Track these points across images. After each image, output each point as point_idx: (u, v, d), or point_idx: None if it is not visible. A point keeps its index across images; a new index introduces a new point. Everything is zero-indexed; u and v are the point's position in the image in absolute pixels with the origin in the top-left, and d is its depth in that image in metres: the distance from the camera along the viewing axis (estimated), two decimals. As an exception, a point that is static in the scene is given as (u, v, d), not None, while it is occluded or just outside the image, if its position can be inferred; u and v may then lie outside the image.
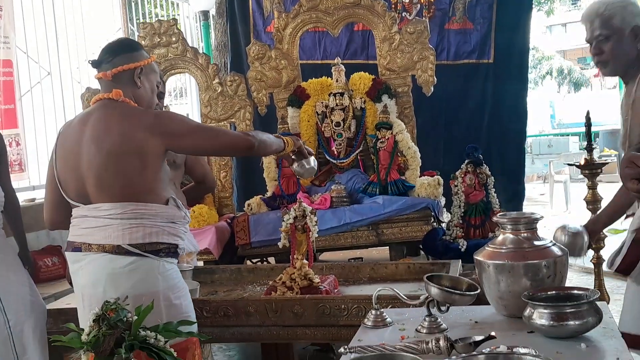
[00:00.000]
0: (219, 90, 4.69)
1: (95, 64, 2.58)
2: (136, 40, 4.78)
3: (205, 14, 7.66)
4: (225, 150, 2.81)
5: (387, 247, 4.35)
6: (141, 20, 7.20)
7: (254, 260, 4.60)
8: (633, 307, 2.46)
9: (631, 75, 2.56)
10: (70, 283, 2.71)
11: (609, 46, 2.54)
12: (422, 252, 4.45)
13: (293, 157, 2.84)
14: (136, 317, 1.89)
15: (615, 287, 5.63)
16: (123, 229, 2.39)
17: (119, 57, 2.53)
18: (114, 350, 1.81)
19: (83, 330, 1.88)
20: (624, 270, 2.47)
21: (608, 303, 3.30)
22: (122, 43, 2.67)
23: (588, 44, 2.66)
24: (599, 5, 2.55)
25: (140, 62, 2.55)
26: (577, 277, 6.38)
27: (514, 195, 5.94)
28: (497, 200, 4.07)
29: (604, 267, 3.31)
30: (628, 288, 2.55)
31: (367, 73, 4.64)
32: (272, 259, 4.53)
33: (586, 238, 2.56)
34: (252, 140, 2.55)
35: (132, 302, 2.02)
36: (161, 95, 3.33)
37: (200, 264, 4.22)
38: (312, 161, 2.89)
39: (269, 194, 4.54)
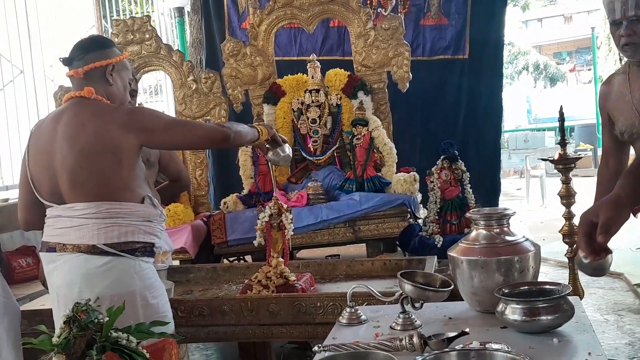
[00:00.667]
0: (193, 88, 4.65)
1: (67, 61, 2.56)
2: (109, 37, 4.74)
3: (180, 10, 7.61)
4: (202, 143, 2.82)
5: (364, 244, 4.35)
6: (115, 17, 7.14)
7: (231, 259, 4.59)
8: None
9: None
10: (44, 284, 2.69)
11: None
12: (399, 249, 4.46)
13: (267, 146, 2.85)
14: (108, 318, 1.87)
15: (591, 280, 5.70)
16: (98, 228, 2.38)
17: (90, 54, 2.52)
18: (85, 352, 1.78)
19: (54, 332, 1.86)
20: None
21: (582, 298, 3.33)
22: (93, 40, 2.66)
23: (611, 25, 2.60)
24: None
25: (112, 59, 2.54)
26: (553, 271, 6.45)
27: (490, 191, 5.97)
28: (473, 195, 4.09)
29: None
30: None
31: (342, 69, 4.64)
32: (249, 257, 4.51)
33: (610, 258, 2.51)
34: (228, 131, 2.55)
35: (108, 302, 2.01)
36: (134, 93, 3.31)
37: (177, 263, 4.20)
38: (287, 148, 2.90)
39: (245, 191, 4.52)
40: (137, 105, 3.51)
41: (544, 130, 18.94)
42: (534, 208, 10.54)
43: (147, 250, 2.47)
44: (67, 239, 2.42)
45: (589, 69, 25.02)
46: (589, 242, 1.69)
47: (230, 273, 3.66)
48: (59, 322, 2.31)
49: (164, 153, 3.68)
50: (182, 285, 3.56)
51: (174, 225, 4.23)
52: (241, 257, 4.58)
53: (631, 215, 1.88)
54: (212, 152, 5.22)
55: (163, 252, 3.05)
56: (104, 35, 6.04)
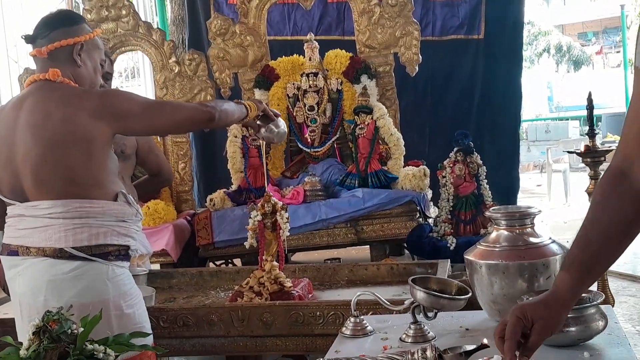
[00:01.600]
0: (176, 70, 4.64)
1: (30, 39, 2.54)
2: (81, 13, 4.72)
3: (160, -17, 7.58)
4: (184, 126, 2.80)
5: (368, 246, 4.35)
6: (87, -9, 7.10)
7: (218, 263, 4.58)
8: None
9: None
10: (4, 290, 2.68)
11: None
12: (406, 252, 4.46)
13: (258, 122, 2.83)
14: (82, 329, 1.87)
15: (621, 287, 5.72)
16: (66, 229, 2.36)
17: (56, 31, 2.50)
18: (57, 366, 1.78)
19: (22, 344, 1.85)
20: None
21: (613, 306, 3.34)
22: (59, 15, 2.63)
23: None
24: None
25: (80, 37, 2.51)
26: (578, 276, 6.45)
27: (507, 187, 5.97)
28: (490, 192, 4.09)
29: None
30: None
31: (343, 51, 4.63)
32: (238, 261, 4.51)
33: None
34: (212, 110, 2.54)
35: (78, 312, 1.99)
36: (108, 76, 3.30)
37: (157, 267, 4.19)
38: (281, 123, 2.90)
39: (234, 187, 4.52)
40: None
41: (568, 119, 18.98)
42: (556, 206, 10.56)
43: (122, 253, 2.46)
44: (30, 242, 2.40)
45: (618, 52, 25.07)
46: (512, 347, 1.52)
47: (218, 278, 3.66)
48: (23, 333, 2.31)
49: (142, 144, 3.66)
50: (164, 292, 3.55)
51: (154, 224, 4.22)
52: (229, 261, 4.58)
53: None
54: (196, 142, 5.21)
55: (140, 256, 3.04)
56: (74, 11, 6.02)
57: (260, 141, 3.46)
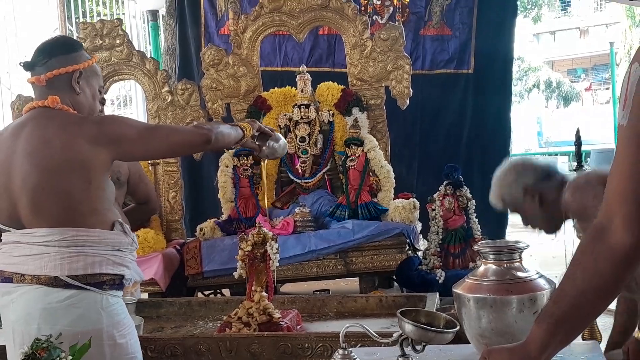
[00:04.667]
0: (168, 100, 4.67)
1: (28, 66, 2.54)
2: (75, 41, 4.74)
3: (154, 13, 7.65)
4: (180, 149, 2.79)
5: (357, 278, 4.35)
6: (81, 20, 7.16)
7: (206, 293, 4.57)
8: None
9: None
10: None
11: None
12: (395, 284, 4.47)
13: (257, 142, 2.83)
14: (71, 357, 1.86)
15: (609, 323, 5.71)
16: (62, 258, 2.35)
17: (54, 58, 2.50)
18: (44, 395, 1.77)
19: (9, 372, 1.85)
20: None
21: (600, 342, 3.34)
22: (58, 42, 2.63)
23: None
24: None
25: (79, 64, 2.51)
26: (566, 311, 6.45)
27: (496, 221, 5.99)
28: (479, 226, 4.11)
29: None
30: None
31: (335, 83, 4.68)
32: (227, 291, 4.50)
33: None
34: (209, 133, 2.54)
35: (70, 341, 1.98)
36: (102, 101, 3.31)
37: (145, 296, 4.18)
38: (279, 136, 2.89)
39: (224, 217, 4.52)
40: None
41: (557, 154, 19.05)
42: (544, 241, 10.56)
43: (116, 282, 2.45)
44: (25, 269, 2.39)
45: (607, 88, 25.28)
46: None
47: (206, 308, 3.65)
48: (14, 360, 2.29)
49: (134, 172, 3.67)
50: (152, 322, 3.54)
51: (143, 253, 4.21)
52: (218, 291, 4.57)
53: None
54: (183, 172, 5.22)
55: (133, 283, 3.04)
56: (70, 37, 6.05)
57: (262, 162, 3.46)
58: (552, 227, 2.79)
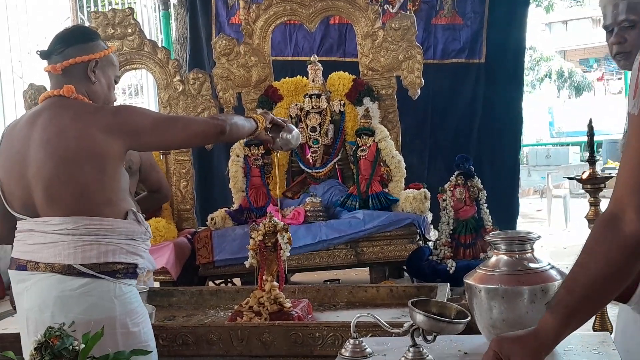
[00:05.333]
0: (180, 89, 4.68)
1: (45, 54, 2.55)
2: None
3: (165, 2, 7.65)
4: (196, 139, 2.77)
5: (367, 268, 4.36)
6: (93, 9, 7.17)
7: (217, 282, 4.59)
8: (625, 337, 2.43)
9: None
10: (12, 304, 2.68)
11: (634, 34, 2.50)
12: (406, 274, 4.47)
13: (270, 134, 2.83)
14: (84, 345, 1.88)
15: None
16: (75, 246, 2.36)
17: (71, 47, 2.50)
18: (57, 382, 1.79)
19: (23, 359, 1.86)
20: (621, 296, 2.46)
21: (611, 333, 3.33)
22: (75, 31, 2.64)
23: (605, 31, 2.62)
24: None
25: (95, 54, 2.52)
26: (577, 302, 6.45)
27: (507, 212, 5.99)
28: (490, 216, 4.10)
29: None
30: (620, 316, 2.53)
31: (347, 73, 4.67)
32: (237, 280, 4.52)
33: None
34: (223, 124, 2.54)
35: (84, 329, 2.00)
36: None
37: (156, 285, 4.20)
38: (292, 127, 2.89)
39: (235, 206, 4.53)
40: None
41: (568, 145, 19.01)
42: (555, 232, 10.54)
43: (130, 271, 2.46)
44: (39, 257, 2.40)
45: (619, 78, 25.17)
46: None
47: (217, 297, 3.66)
48: (28, 348, 2.31)
49: (145, 160, 3.68)
50: (164, 310, 3.55)
51: (155, 242, 4.23)
52: (229, 280, 4.59)
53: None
54: (194, 161, 5.23)
55: (146, 272, 3.06)
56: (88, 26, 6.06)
57: (274, 154, 3.45)
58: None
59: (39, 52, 2.56)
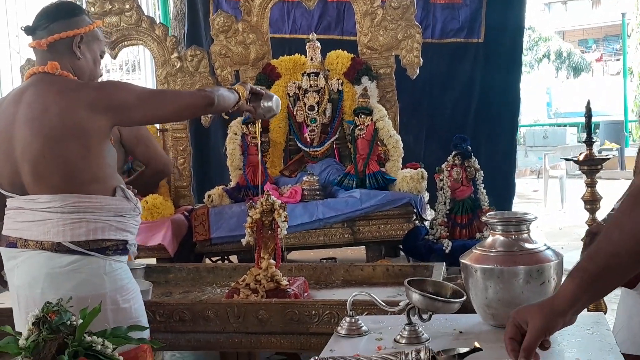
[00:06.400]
0: (177, 66, 4.67)
1: (29, 30, 2.54)
2: (84, 7, 4.73)
3: (163, -22, 7.60)
4: (184, 112, 2.76)
5: (364, 246, 4.38)
6: (90, -16, 7.11)
7: (214, 259, 4.61)
8: (632, 323, 2.46)
9: None
10: (3, 280, 2.69)
11: None
12: (402, 253, 4.49)
13: (251, 104, 2.81)
14: (81, 321, 1.89)
15: (613, 295, 5.73)
16: (64, 224, 2.37)
17: (55, 23, 2.49)
18: (55, 357, 1.80)
19: (20, 333, 1.87)
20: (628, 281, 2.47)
21: (605, 313, 3.36)
22: (60, 7, 2.62)
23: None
24: None
25: (80, 29, 2.51)
26: (572, 283, 6.48)
27: (503, 192, 5.99)
28: (486, 197, 4.11)
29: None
30: (625, 301, 2.55)
31: (345, 52, 4.65)
32: (234, 258, 4.53)
33: None
34: (211, 95, 2.53)
35: (75, 305, 2.01)
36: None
37: (153, 261, 4.21)
38: (271, 94, 2.88)
39: (232, 184, 4.54)
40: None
41: (565, 126, 19.03)
42: (551, 213, 10.58)
43: (120, 248, 2.47)
44: (29, 234, 2.41)
45: (618, 59, 25.10)
46: (514, 346, 1.58)
47: (214, 274, 3.67)
48: (20, 324, 2.32)
49: (126, 134, 3.61)
50: (161, 287, 3.57)
51: (152, 219, 4.24)
52: (226, 257, 4.60)
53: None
54: (191, 138, 5.21)
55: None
56: (77, 3, 6.02)
57: (256, 124, 3.42)
58: None
59: (23, 28, 2.55)
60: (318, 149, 4.57)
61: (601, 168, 3.67)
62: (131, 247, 2.56)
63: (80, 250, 2.38)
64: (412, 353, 1.70)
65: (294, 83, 4.61)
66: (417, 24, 4.57)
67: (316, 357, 1.77)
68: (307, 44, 4.62)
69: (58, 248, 2.37)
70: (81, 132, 2.36)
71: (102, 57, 2.66)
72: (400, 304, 2.03)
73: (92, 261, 2.40)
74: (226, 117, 4.26)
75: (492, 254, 1.99)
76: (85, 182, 2.40)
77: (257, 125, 3.52)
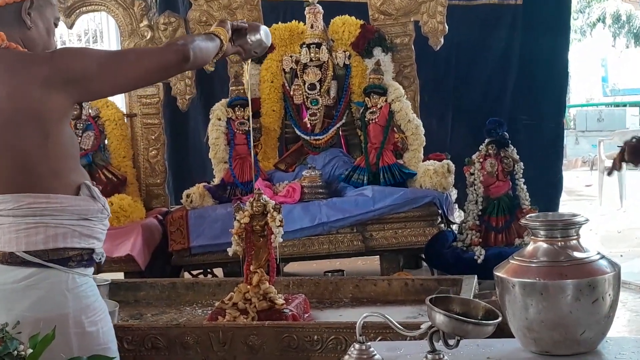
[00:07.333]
0: (148, 36, 4.68)
1: None
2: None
3: None
4: (155, 74, 2.72)
5: (377, 256, 4.38)
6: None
7: (195, 273, 4.61)
8: None
9: None
10: None
11: None
12: (424, 264, 4.49)
13: (237, 45, 2.79)
14: (31, 350, 1.89)
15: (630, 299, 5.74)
16: (17, 230, 2.37)
17: None
18: (-1, 395, 1.81)
19: (-43, 366, 1.88)
20: None
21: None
22: None
23: None
24: None
25: None
26: (633, 299, 6.48)
27: (548, 188, 5.99)
28: (527, 194, 4.11)
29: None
30: None
31: (353, 17, 4.65)
32: (219, 271, 4.54)
33: None
34: (184, 49, 2.50)
35: (31, 329, 2.02)
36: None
37: (120, 276, 4.22)
38: (256, 25, 2.85)
39: (216, 180, 4.54)
40: None
41: (625, 105, 18.99)
42: (608, 212, 10.57)
43: (85, 258, 2.47)
44: None
45: (689, 24, 25.05)
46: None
47: (194, 292, 3.67)
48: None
49: None
50: (129, 307, 3.57)
51: (118, 224, 4.25)
52: (209, 271, 4.61)
53: None
54: (166, 125, 5.20)
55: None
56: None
57: (245, 65, 3.35)
58: None
59: None
60: (320, 137, 4.58)
61: (668, 157, 3.66)
62: (98, 257, 2.56)
63: (38, 262, 2.37)
64: (435, 387, 1.71)
65: (291, 57, 4.61)
66: (441, -18, 4.57)
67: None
68: (307, 8, 4.62)
69: (10, 259, 2.37)
70: (36, 116, 2.36)
71: (56, 25, 2.66)
72: (421, 327, 2.03)
73: (52, 275, 2.39)
74: (211, 69, 4.23)
75: (533, 264, 1.98)
76: (42, 177, 2.39)
77: (245, 69, 3.45)
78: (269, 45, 2.92)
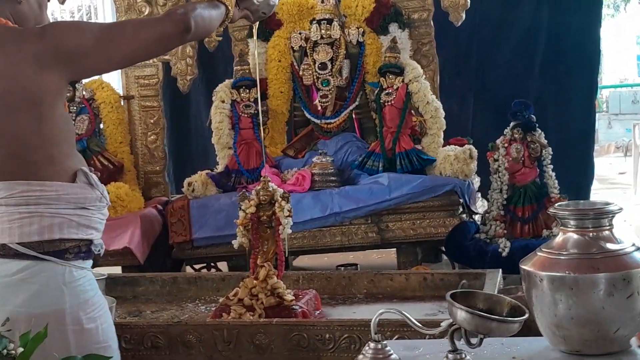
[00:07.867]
0: (146, 12, 4.68)
1: None
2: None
3: None
4: (155, 47, 2.72)
5: (394, 249, 4.38)
6: None
7: (197, 267, 4.62)
8: None
9: None
10: None
11: None
12: (444, 257, 4.49)
13: (243, 7, 2.77)
14: (22, 350, 1.90)
15: None
16: (10, 220, 2.38)
17: None
18: (-12, 398, 1.82)
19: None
20: None
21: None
22: None
23: None
24: None
25: None
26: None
27: (579, 175, 5.98)
28: (556, 182, 4.10)
29: None
30: None
31: (367, -10, 4.65)
32: (223, 265, 4.54)
33: None
34: (184, 18, 2.49)
35: (25, 325, 2.03)
36: None
37: (118, 270, 4.23)
38: None
39: (219, 168, 4.54)
40: None
41: (662, 87, 18.92)
42: (643, 201, 10.56)
43: (82, 250, 2.48)
44: None
45: None
46: None
47: (197, 287, 3.69)
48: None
49: None
50: (127, 303, 3.59)
51: (115, 215, 4.25)
52: (212, 264, 4.62)
53: None
54: (165, 107, 5.20)
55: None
56: None
57: (254, 29, 3.33)
58: None
59: None
60: (332, 121, 4.57)
61: None
62: (96, 248, 2.57)
63: (32, 254, 2.39)
64: (457, 389, 1.71)
65: (300, 34, 4.60)
66: (463, -48, 4.55)
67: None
68: (317, -20, 4.62)
69: (3, 252, 2.38)
70: (29, 97, 2.37)
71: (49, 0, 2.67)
72: (441, 324, 2.03)
73: (48, 268, 2.41)
74: (215, 42, 4.19)
75: (563, 257, 1.98)
76: (37, 164, 2.41)
77: (254, 31, 3.41)
78: (277, 4, 2.89)
